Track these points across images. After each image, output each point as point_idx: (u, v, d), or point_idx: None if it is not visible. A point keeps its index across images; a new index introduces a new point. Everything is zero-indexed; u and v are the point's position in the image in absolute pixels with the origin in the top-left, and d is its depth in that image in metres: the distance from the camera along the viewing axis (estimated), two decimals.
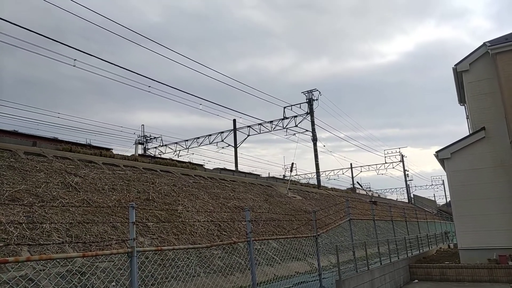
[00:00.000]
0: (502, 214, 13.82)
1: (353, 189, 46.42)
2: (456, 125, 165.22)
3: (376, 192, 54.83)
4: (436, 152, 15.53)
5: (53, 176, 11.16)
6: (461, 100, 18.49)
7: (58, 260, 6.83)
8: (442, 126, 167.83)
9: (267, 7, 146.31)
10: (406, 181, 58.22)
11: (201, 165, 21.76)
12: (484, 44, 14.64)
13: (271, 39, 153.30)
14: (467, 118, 18.57)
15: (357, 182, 55.80)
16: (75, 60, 16.06)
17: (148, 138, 42.83)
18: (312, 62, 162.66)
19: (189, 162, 21.36)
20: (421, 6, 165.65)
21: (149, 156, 28.99)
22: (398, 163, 54.05)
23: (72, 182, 11.21)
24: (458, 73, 15.74)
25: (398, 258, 13.63)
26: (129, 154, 18.47)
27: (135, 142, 41.85)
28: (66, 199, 10.07)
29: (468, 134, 15.82)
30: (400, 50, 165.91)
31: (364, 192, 46.73)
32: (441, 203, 75.16)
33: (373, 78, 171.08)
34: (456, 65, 15.62)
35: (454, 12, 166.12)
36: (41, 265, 6.74)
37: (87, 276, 7.03)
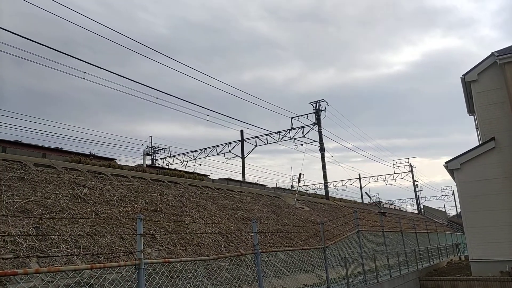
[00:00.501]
0: None
1: (373, 203, 45.98)
2: (465, 135, 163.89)
3: (390, 203, 54.24)
4: (445, 162, 15.40)
5: (62, 187, 11.26)
6: (470, 110, 18.37)
7: (66, 272, 6.86)
8: (451, 136, 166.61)
9: (272, 19, 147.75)
10: (415, 191, 57.63)
11: (206, 175, 21.77)
12: (492, 54, 14.59)
13: (277, 50, 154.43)
14: (476, 128, 18.41)
15: (366, 192, 55.34)
16: (84, 73, 16.34)
17: (156, 149, 43.11)
18: (318, 73, 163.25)
19: (194, 173, 21.40)
20: (428, 16, 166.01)
21: (157, 167, 29.14)
22: (407, 173, 53.60)
23: (81, 194, 11.30)
24: (467, 83, 15.68)
25: (408, 270, 13.44)
26: (133, 165, 18.58)
27: (143, 153, 42.12)
28: (75, 210, 10.14)
29: (477, 144, 15.68)
30: (407, 60, 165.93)
31: (374, 202, 46.29)
32: (451, 214, 74.06)
33: (380, 89, 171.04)
34: (464, 75, 15.57)
35: (461, 22, 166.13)
36: (50, 277, 6.77)
37: (95, 287, 7.05)
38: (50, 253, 7.67)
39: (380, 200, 56.84)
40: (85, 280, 7.14)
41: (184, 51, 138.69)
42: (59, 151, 16.27)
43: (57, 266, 7.14)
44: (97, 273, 7.36)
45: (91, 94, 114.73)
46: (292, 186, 43.01)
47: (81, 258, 8.11)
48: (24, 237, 7.78)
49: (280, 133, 33.90)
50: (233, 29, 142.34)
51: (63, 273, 6.81)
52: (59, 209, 9.86)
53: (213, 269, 10.42)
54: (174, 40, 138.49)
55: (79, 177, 12.66)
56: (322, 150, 32.05)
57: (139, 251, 4.37)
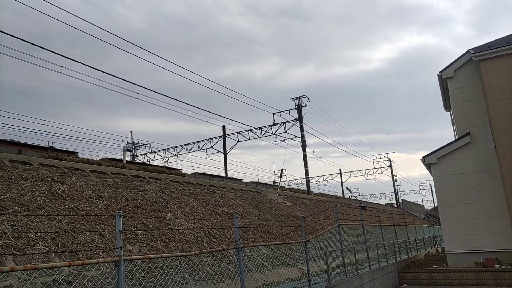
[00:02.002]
0: (488, 218, 14.06)
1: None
2: (442, 131, 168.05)
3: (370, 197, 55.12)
4: (422, 157, 15.76)
5: (39, 184, 10.99)
6: (447, 106, 18.82)
7: (44, 269, 6.72)
8: (428, 132, 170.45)
9: (251, 14, 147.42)
10: (394, 186, 58.80)
11: (179, 170, 21.52)
12: (468, 51, 14.97)
13: (256, 45, 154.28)
14: (452, 124, 18.90)
15: (346, 187, 56.13)
16: (61, 67, 15.92)
17: (137, 145, 42.50)
18: (298, 69, 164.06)
19: (165, 167, 21.10)
20: (404, 13, 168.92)
21: (138, 163, 28.76)
22: (386, 168, 54.61)
23: (59, 190, 11.06)
24: (443, 79, 16.05)
25: (387, 262, 13.73)
26: (98, 159, 18.10)
27: (123, 148, 41.45)
28: (53, 208, 9.92)
29: (453, 139, 16.09)
30: (384, 57, 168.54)
31: (354, 198, 47.01)
32: (429, 208, 75.98)
33: (359, 84, 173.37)
34: (441, 72, 15.93)
35: (437, 20, 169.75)
36: (26, 275, 6.62)
37: (73, 285, 6.92)
38: (27, 251, 7.50)
39: (360, 195, 57.77)
40: (63, 277, 7.02)
41: (162, 46, 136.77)
42: (13, 143, 15.48)
43: (33, 264, 6.98)
44: (75, 270, 7.24)
45: (68, 89, 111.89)
46: (274, 182, 43.21)
47: (59, 255, 7.95)
48: (0, 235, 7.57)
49: (262, 129, 33.96)
50: (212, 24, 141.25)
51: (40, 271, 6.67)
52: (36, 206, 9.63)
53: (195, 265, 10.40)
54: (152, 34, 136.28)
55: (57, 174, 12.38)
56: (303, 145, 32.29)
57: (118, 248, 4.32)
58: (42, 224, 8.85)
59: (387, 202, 65.99)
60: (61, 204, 10.34)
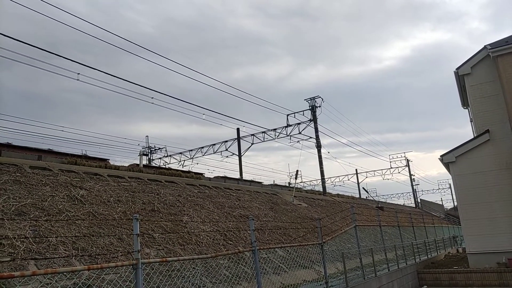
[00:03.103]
0: (509, 218, 13.70)
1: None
2: (458, 128, 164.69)
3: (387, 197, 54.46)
4: (441, 156, 15.48)
5: (59, 189, 11.24)
6: (464, 103, 18.46)
7: (64, 273, 6.86)
8: (444, 130, 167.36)
9: (260, 16, 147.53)
10: (412, 185, 57.87)
11: (201, 174, 21.75)
12: (485, 47, 14.66)
13: (266, 47, 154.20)
14: (470, 121, 18.51)
15: (363, 188, 55.55)
16: (78, 74, 16.27)
17: (153, 149, 43.03)
18: (309, 69, 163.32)
19: (189, 172, 21.38)
20: (416, 10, 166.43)
21: (154, 166, 29.10)
22: (403, 167, 53.83)
23: (78, 195, 11.28)
24: (460, 76, 15.75)
25: (406, 264, 13.52)
26: (126, 165, 18.53)
27: (140, 153, 42.01)
28: (72, 212, 10.13)
29: (472, 137, 15.76)
30: (397, 55, 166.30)
31: (371, 198, 46.49)
32: (448, 207, 74.51)
33: (372, 84, 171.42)
34: (457, 68, 15.64)
35: (450, 15, 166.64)
36: (48, 279, 6.78)
37: None
38: (47, 255, 7.67)
39: (377, 195, 57.09)
40: (83, 281, 7.15)
41: (171, 50, 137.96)
42: (50, 152, 16.16)
43: (54, 268, 7.14)
44: (95, 274, 7.37)
45: (83, 95, 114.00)
46: (289, 183, 43.09)
47: (79, 259, 8.11)
48: (22, 239, 7.77)
49: (277, 130, 33.93)
50: (221, 27, 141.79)
51: (60, 275, 6.82)
52: (56, 211, 9.85)
53: (211, 267, 10.45)
54: (161, 38, 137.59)
55: (76, 179, 12.63)
56: (318, 146, 32.12)
57: (136, 251, 4.39)
58: (62, 228, 9.04)
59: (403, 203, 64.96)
60: (80, 209, 10.55)
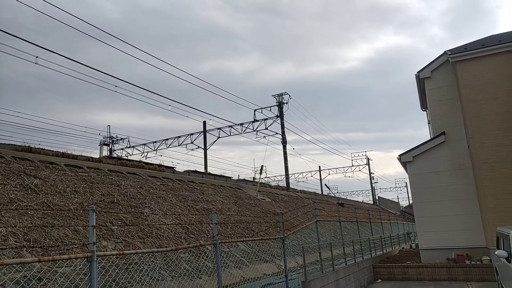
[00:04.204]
0: (460, 215, 14.48)
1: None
2: (417, 130, 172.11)
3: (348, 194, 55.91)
4: (399, 155, 16.08)
5: (11, 178, 10.64)
6: (423, 105, 19.23)
7: (12, 265, 6.51)
8: (403, 131, 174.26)
9: (230, 9, 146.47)
10: (371, 183, 59.84)
11: (172, 168, 21.42)
12: (445, 52, 15.31)
13: (236, 41, 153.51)
14: (428, 123, 19.34)
15: (325, 184, 56.79)
16: (37, 57, 15.43)
17: (115, 139, 41.71)
18: (277, 65, 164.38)
19: (158, 165, 20.95)
20: (381, 13, 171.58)
21: (115, 157, 28.21)
22: (364, 166, 55.51)
23: (31, 184, 10.74)
24: (421, 79, 16.38)
25: (363, 258, 13.96)
26: (94, 156, 17.83)
27: (100, 143, 40.63)
28: (25, 202, 9.63)
29: (429, 138, 16.47)
30: (361, 56, 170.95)
31: (332, 195, 47.62)
32: (404, 205, 77.78)
33: (337, 83, 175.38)
34: (418, 72, 16.25)
35: (413, 20, 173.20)
36: None
37: (43, 281, 6.74)
38: None
39: (338, 192, 58.55)
40: (33, 273, 6.82)
41: (137, 38, 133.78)
42: None
43: (0, 260, 6.76)
44: (46, 266, 7.05)
45: (41, 81, 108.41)
46: (254, 178, 43.26)
47: (30, 251, 7.73)
48: None
49: (243, 125, 33.90)
50: (189, 18, 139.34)
51: (8, 266, 6.46)
52: (7, 200, 9.33)
53: (171, 261, 10.30)
54: (127, 25, 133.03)
55: (30, 167, 12.01)
56: (284, 142, 32.43)
57: (91, 243, 4.22)
58: (13, 219, 8.58)
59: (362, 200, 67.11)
60: (34, 199, 10.05)
